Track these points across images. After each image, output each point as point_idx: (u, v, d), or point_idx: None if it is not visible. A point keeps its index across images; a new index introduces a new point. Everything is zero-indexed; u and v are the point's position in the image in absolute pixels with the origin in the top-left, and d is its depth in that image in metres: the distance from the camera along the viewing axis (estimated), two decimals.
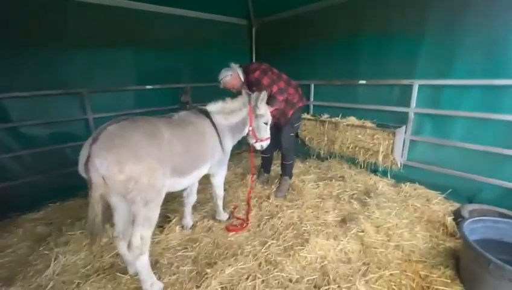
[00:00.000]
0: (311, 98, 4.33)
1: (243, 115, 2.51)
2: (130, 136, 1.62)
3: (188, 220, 2.65)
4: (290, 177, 3.43)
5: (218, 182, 2.59)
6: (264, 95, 2.50)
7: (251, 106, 2.53)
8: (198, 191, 3.33)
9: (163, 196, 1.81)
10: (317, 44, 4.15)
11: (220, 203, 2.70)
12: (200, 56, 4.54)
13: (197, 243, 2.37)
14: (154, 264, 2.10)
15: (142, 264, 1.77)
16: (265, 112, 2.61)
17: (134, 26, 3.77)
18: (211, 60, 4.66)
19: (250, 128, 2.59)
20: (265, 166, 3.68)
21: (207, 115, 2.30)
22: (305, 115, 4.25)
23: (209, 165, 2.31)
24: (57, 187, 3.33)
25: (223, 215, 2.74)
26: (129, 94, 3.90)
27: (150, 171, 1.63)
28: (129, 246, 1.73)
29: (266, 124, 2.67)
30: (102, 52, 3.54)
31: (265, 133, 2.70)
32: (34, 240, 2.56)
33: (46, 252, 2.30)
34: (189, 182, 2.19)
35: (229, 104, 2.45)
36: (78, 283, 1.94)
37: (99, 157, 1.49)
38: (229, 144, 2.47)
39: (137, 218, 1.69)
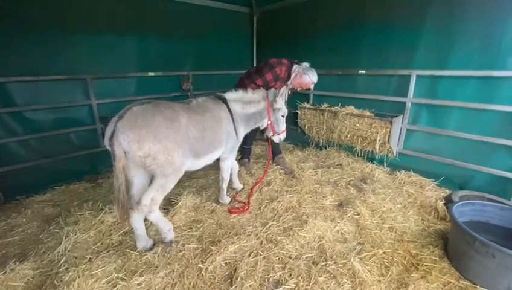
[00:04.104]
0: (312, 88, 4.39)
1: (260, 107, 2.63)
2: (151, 119, 1.80)
3: (237, 184, 3.11)
4: (281, 153, 3.89)
5: (227, 166, 2.71)
6: (283, 90, 2.65)
7: (269, 100, 2.65)
8: (201, 177, 3.47)
9: (182, 172, 2.03)
10: (317, 33, 4.18)
11: (225, 186, 2.82)
12: (202, 44, 4.56)
13: (201, 224, 2.48)
14: (161, 242, 2.21)
15: (155, 217, 2.04)
16: (281, 105, 2.74)
17: (137, 13, 3.77)
18: (212, 48, 4.73)
19: (269, 122, 2.73)
20: (248, 156, 3.86)
21: (224, 102, 2.42)
22: (305, 104, 4.33)
23: (223, 150, 2.44)
24: (61, 171, 3.43)
25: (226, 199, 2.86)
26: (132, 81, 3.93)
27: (167, 151, 1.83)
28: (138, 203, 1.93)
29: (283, 116, 2.80)
30: (106, 39, 3.55)
31: (283, 126, 2.84)
32: (43, 220, 2.66)
33: (57, 230, 2.40)
34: (204, 164, 2.36)
35: (249, 94, 2.57)
36: (90, 258, 2.05)
37: (122, 134, 1.70)
38: (242, 132, 2.61)
39: (154, 182, 1.91)
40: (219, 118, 2.31)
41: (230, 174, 2.91)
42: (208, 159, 2.34)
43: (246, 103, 2.53)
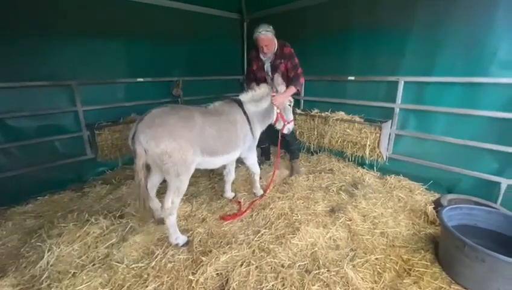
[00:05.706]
0: (302, 93, 4.42)
1: (270, 100, 2.74)
2: (168, 119, 1.99)
3: (229, 193, 3.06)
4: (298, 158, 3.89)
5: (252, 163, 2.88)
6: (277, 76, 2.82)
7: (274, 90, 2.79)
8: (191, 184, 3.40)
9: (192, 170, 2.16)
10: (307, 40, 4.21)
11: (257, 178, 3.02)
12: (192, 50, 4.53)
13: (192, 233, 2.42)
14: (150, 254, 2.14)
15: (170, 222, 2.18)
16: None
17: (126, 18, 3.70)
18: (203, 54, 4.71)
19: (278, 111, 2.85)
20: (266, 154, 4.10)
21: (240, 104, 2.52)
22: (295, 110, 4.34)
23: (240, 151, 2.54)
24: (45, 180, 3.29)
25: (259, 191, 3.07)
26: (120, 87, 3.85)
27: (181, 149, 1.98)
28: (162, 207, 2.16)
29: (290, 105, 2.98)
30: (92, 44, 3.47)
31: (290, 114, 3.02)
32: (25, 232, 2.53)
33: (39, 243, 2.27)
34: (220, 163, 2.49)
35: (258, 91, 2.67)
36: (74, 272, 1.95)
37: (142, 133, 1.90)
38: (258, 131, 2.72)
39: (170, 186, 2.09)
40: (234, 120, 2.43)
41: (225, 182, 3.02)
42: (225, 159, 2.46)
43: (257, 100, 2.64)
